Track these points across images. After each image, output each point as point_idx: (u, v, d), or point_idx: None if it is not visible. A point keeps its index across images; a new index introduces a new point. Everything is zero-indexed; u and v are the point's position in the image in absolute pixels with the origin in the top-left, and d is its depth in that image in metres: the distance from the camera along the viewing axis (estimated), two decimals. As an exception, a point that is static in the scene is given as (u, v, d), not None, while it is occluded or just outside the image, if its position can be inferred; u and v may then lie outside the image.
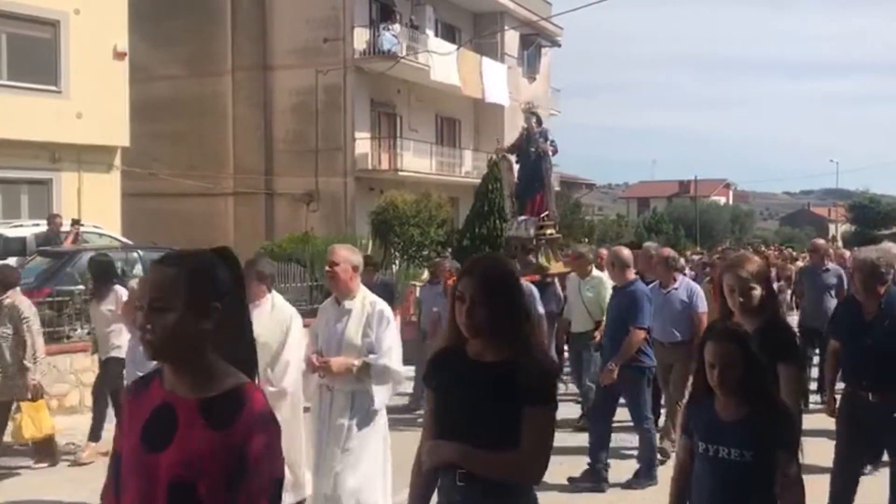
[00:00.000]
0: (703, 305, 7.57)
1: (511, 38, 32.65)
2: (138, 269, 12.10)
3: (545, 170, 13.55)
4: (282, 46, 26.12)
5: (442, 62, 26.54)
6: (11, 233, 14.30)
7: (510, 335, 2.66)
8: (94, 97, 18.46)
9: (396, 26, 25.92)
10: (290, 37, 25.88)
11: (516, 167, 13.98)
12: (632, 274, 7.02)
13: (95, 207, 18.02)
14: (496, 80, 29.38)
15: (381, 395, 4.91)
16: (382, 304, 5.07)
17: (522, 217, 13.35)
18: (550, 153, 13.53)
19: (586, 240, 25.86)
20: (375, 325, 4.93)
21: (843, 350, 5.12)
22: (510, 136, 30.08)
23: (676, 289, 7.64)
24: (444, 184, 27.26)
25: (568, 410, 9.26)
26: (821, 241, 11.19)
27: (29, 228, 14.75)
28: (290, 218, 25.26)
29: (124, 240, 15.85)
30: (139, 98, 21.46)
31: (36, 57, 18.30)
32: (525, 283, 9.37)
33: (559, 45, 37.08)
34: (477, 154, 30.26)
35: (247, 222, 26.05)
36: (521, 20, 31.87)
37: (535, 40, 34.61)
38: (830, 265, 10.03)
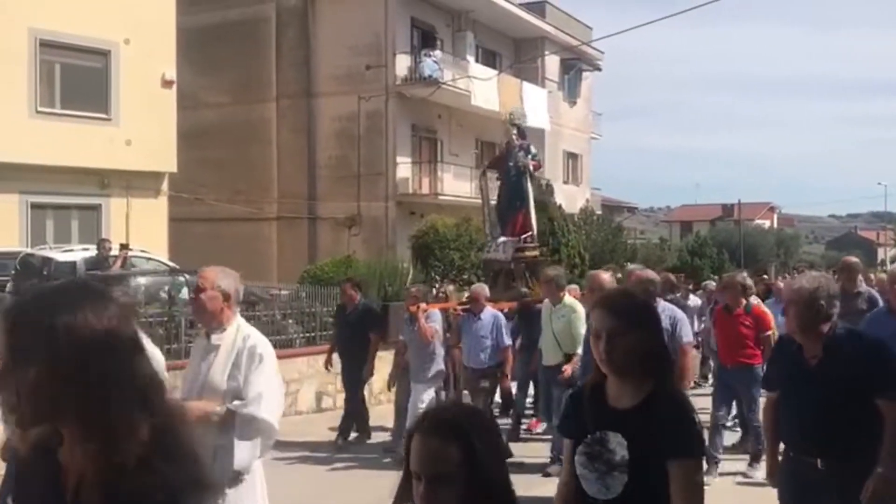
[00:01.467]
0: (687, 335, 6.78)
1: (552, 63, 32.80)
2: (185, 293, 12.33)
3: (527, 187, 12.47)
4: (325, 73, 26.54)
5: (482, 87, 26.70)
6: (62, 257, 14.68)
7: (91, 426, 1.48)
8: (143, 124, 18.92)
9: (437, 52, 26.20)
10: (333, 64, 26.29)
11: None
12: None
13: (143, 232, 18.44)
14: (537, 105, 29.46)
15: (245, 452, 3.93)
16: (257, 340, 4.06)
17: (503, 238, 12.34)
18: (532, 168, 12.48)
19: (628, 263, 25.65)
20: (245, 364, 3.96)
21: (782, 403, 4.11)
22: (548, 160, 30.13)
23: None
24: (485, 208, 27.31)
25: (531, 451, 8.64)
26: (853, 259, 8.96)
27: (79, 253, 15.11)
28: (333, 242, 25.51)
29: (171, 264, 16.13)
30: (186, 125, 21.94)
31: (87, 86, 18.81)
32: (493, 310, 8.92)
33: (600, 69, 37.17)
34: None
35: (290, 246, 26.39)
36: (561, 45, 31.97)
37: (576, 65, 34.72)
38: (863, 287, 8.38)
